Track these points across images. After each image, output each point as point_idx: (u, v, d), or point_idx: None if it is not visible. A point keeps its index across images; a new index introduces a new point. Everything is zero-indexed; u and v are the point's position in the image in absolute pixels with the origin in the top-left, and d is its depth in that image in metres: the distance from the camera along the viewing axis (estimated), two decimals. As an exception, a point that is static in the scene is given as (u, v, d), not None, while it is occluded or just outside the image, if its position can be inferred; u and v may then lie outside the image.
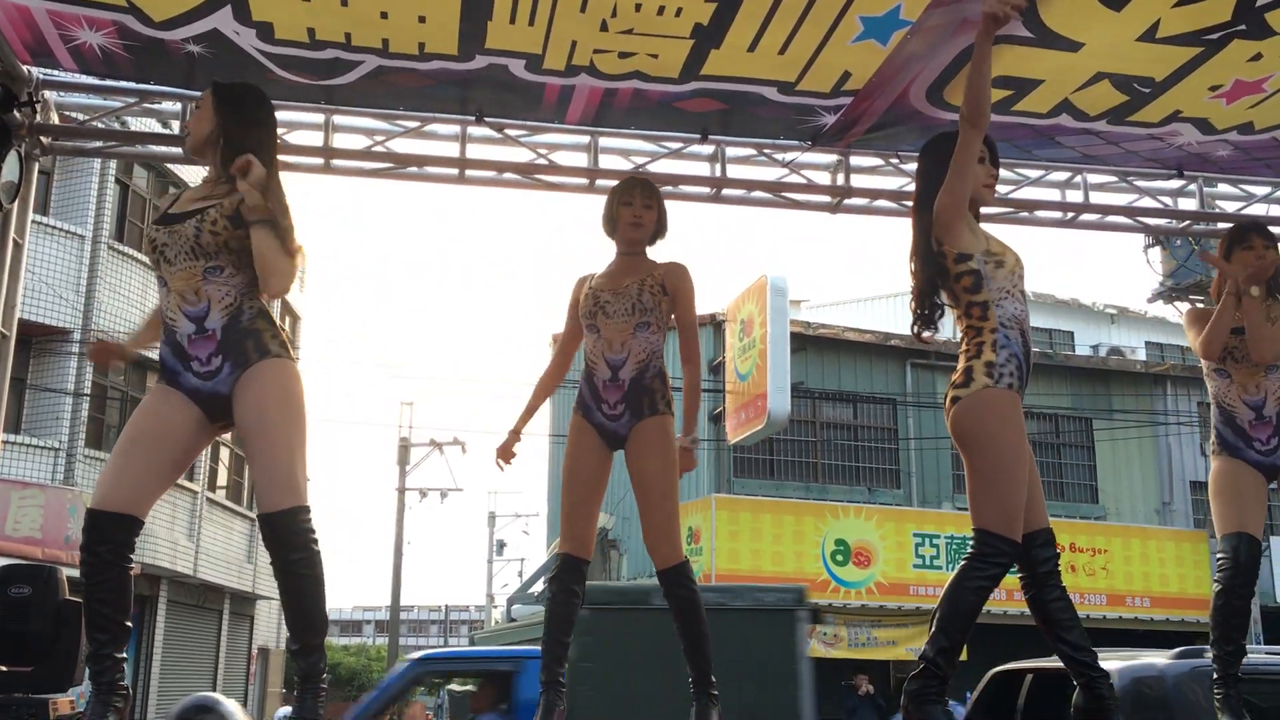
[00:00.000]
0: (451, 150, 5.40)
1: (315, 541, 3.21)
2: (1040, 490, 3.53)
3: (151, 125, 7.79)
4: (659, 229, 3.97)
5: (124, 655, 3.16)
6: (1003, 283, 3.41)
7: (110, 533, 3.12)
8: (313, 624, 3.18)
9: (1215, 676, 3.92)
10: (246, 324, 3.24)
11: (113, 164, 15.83)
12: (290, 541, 3.17)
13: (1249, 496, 3.98)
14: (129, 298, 16.53)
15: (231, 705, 3.85)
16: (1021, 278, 3.50)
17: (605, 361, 3.77)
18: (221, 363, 3.20)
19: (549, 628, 3.79)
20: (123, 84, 5.03)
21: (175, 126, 5.28)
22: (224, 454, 19.76)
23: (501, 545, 38.35)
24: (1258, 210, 6.00)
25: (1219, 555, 3.97)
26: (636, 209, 3.89)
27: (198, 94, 4.93)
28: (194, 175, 17.23)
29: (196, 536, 18.14)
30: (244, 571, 20.24)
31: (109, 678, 3.09)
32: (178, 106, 5.25)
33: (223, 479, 19.84)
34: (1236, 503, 3.96)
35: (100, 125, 5.43)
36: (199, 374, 3.20)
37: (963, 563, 3.42)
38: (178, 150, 5.37)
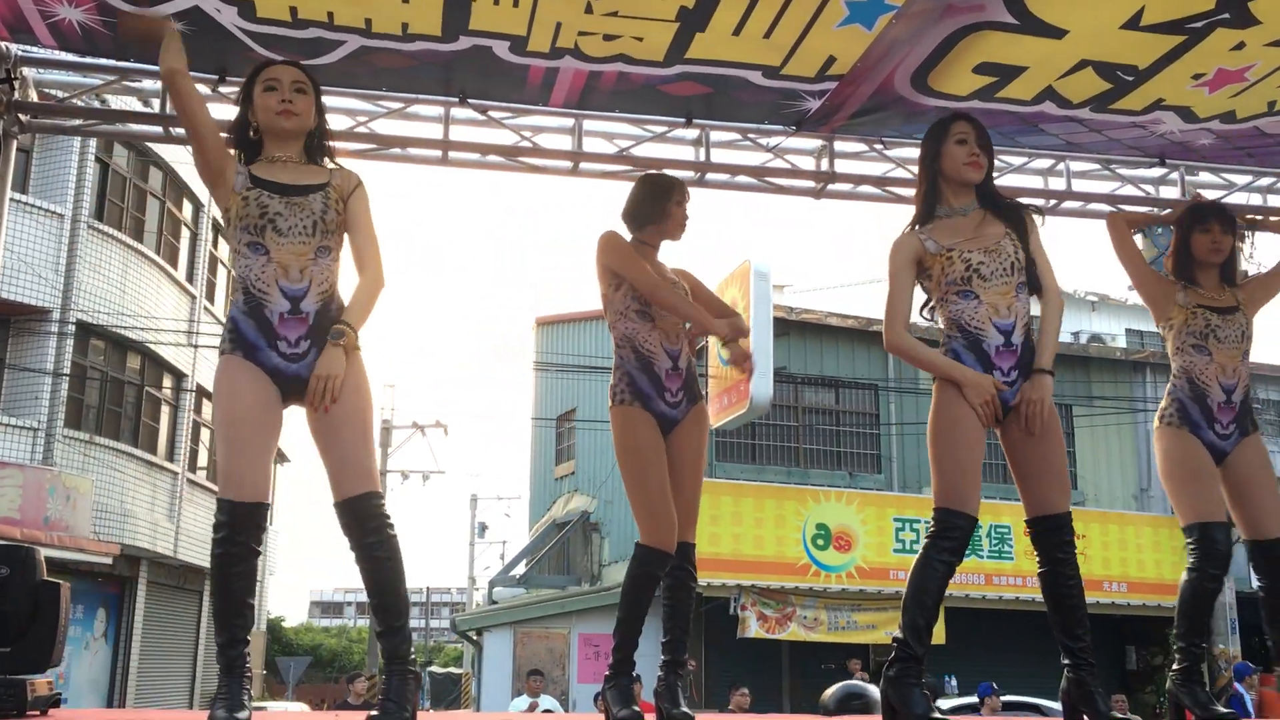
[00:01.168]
0: (435, 132, 5.38)
1: (391, 525, 3.27)
2: (1051, 473, 3.56)
3: (132, 104, 7.73)
4: None
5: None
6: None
7: (251, 522, 3.17)
8: (394, 605, 3.23)
9: (1180, 669, 3.92)
10: (336, 312, 3.30)
11: (93, 142, 15.70)
12: (367, 525, 3.21)
13: (1213, 478, 3.96)
14: (109, 277, 16.42)
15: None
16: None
17: (665, 352, 3.89)
18: (309, 347, 3.22)
19: (637, 617, 3.81)
20: (102, 61, 4.98)
21: (156, 105, 5.24)
22: (204, 435, 19.68)
23: (484, 528, 38.38)
24: (1238, 199, 6.04)
25: (1193, 543, 3.94)
26: (686, 210, 4.07)
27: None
28: (174, 155, 17.12)
29: (177, 517, 18.09)
30: (224, 553, 20.17)
31: (242, 663, 3.17)
32: (158, 85, 5.20)
33: (203, 460, 19.77)
34: (1201, 485, 3.93)
35: (80, 103, 5.37)
36: (285, 355, 3.20)
37: (923, 542, 3.53)
38: (158, 129, 5.33)
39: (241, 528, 3.16)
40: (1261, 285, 4.30)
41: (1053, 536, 3.52)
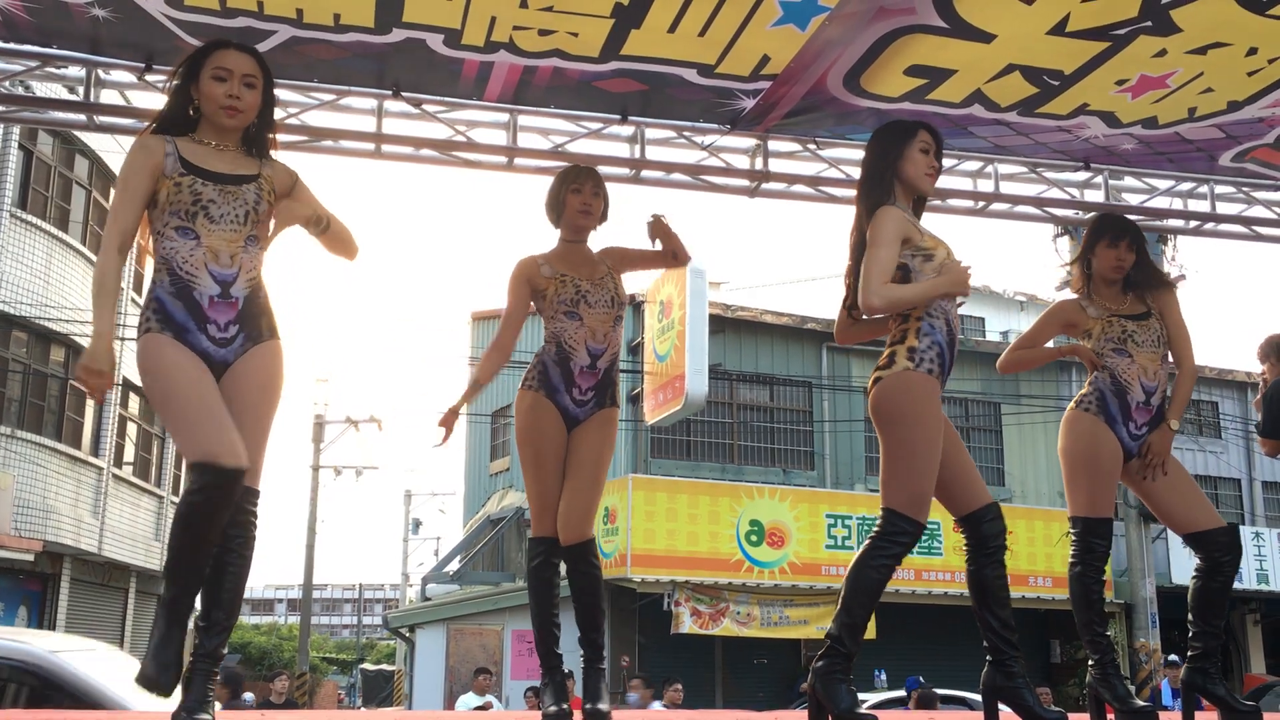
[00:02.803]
0: (368, 125, 5.32)
1: (255, 527, 3.25)
2: (975, 469, 3.63)
3: (57, 90, 7.55)
4: (603, 218, 4.09)
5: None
6: (930, 276, 3.52)
7: (235, 490, 3.06)
8: (233, 604, 3.21)
9: (1096, 663, 3.94)
10: (263, 301, 3.27)
11: (16, 129, 15.31)
12: (237, 519, 3.16)
13: (1112, 475, 3.96)
14: (32, 268, 16.03)
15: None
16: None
17: (587, 349, 3.89)
18: (237, 333, 3.19)
19: (541, 610, 3.90)
20: (26, 48, 4.86)
21: (81, 92, 5.12)
22: (131, 429, 19.31)
23: (417, 524, 38.06)
24: (1160, 203, 6.18)
25: (1077, 536, 3.94)
26: (586, 196, 4.00)
27: (103, 59, 4.84)
28: (100, 143, 16.76)
29: (101, 514, 17.72)
30: (151, 549, 19.81)
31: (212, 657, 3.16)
32: (82, 72, 5.10)
33: (129, 455, 19.39)
34: (1099, 481, 3.93)
35: (2, 89, 5.25)
36: (214, 339, 3.15)
37: (867, 541, 3.50)
38: (82, 117, 5.22)
39: (227, 492, 3.01)
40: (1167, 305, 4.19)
41: (992, 526, 3.58)
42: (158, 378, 3.12)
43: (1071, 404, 4.10)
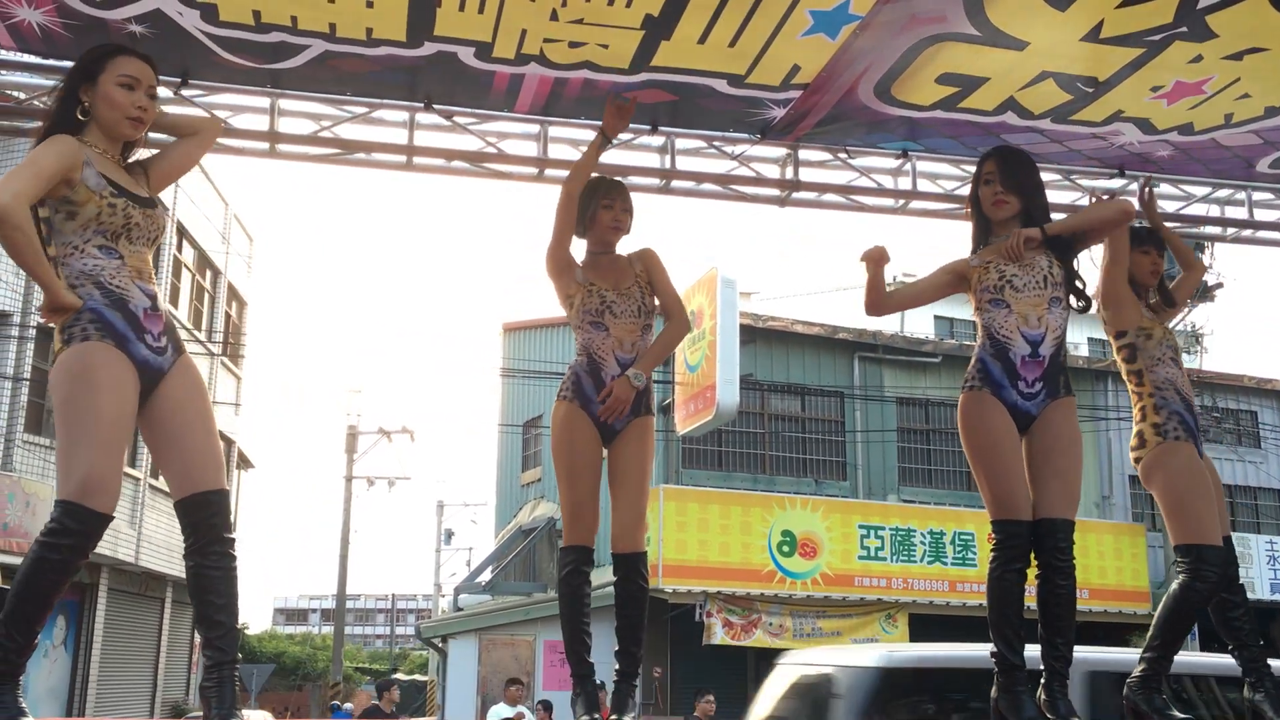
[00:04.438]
0: (399, 137, 5.35)
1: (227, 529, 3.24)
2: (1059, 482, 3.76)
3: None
4: (628, 230, 4.16)
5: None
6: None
7: (99, 535, 3.07)
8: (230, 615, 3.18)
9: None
10: (167, 315, 3.32)
11: (54, 144, 15.50)
12: (227, 524, 3.18)
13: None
14: (70, 281, 16.23)
15: None
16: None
17: (616, 359, 3.91)
18: (167, 343, 3.22)
19: (572, 619, 3.89)
20: (63, 63, 4.92)
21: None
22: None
23: (450, 534, 38.16)
24: (1196, 210, 6.12)
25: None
26: (617, 212, 4.08)
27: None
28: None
29: (138, 524, 17.89)
30: (187, 560, 19.98)
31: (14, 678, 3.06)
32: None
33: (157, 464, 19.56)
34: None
35: (40, 104, 5.31)
36: (152, 348, 3.17)
37: (989, 558, 3.73)
38: (119, 132, 5.27)
39: (92, 541, 3.03)
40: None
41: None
42: (82, 388, 3.01)
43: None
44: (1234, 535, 4.12)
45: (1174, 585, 3.92)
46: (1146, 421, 4.09)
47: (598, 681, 3.95)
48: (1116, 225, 3.97)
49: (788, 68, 4.54)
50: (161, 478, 18.93)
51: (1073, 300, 3.83)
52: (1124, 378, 4.24)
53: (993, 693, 3.68)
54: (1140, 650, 4.02)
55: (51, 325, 3.09)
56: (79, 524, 2.98)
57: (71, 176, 3.10)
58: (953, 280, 3.90)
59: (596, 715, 3.74)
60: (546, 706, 13.77)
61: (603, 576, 4.13)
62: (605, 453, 3.97)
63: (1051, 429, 3.72)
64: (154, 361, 3.17)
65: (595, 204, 4.05)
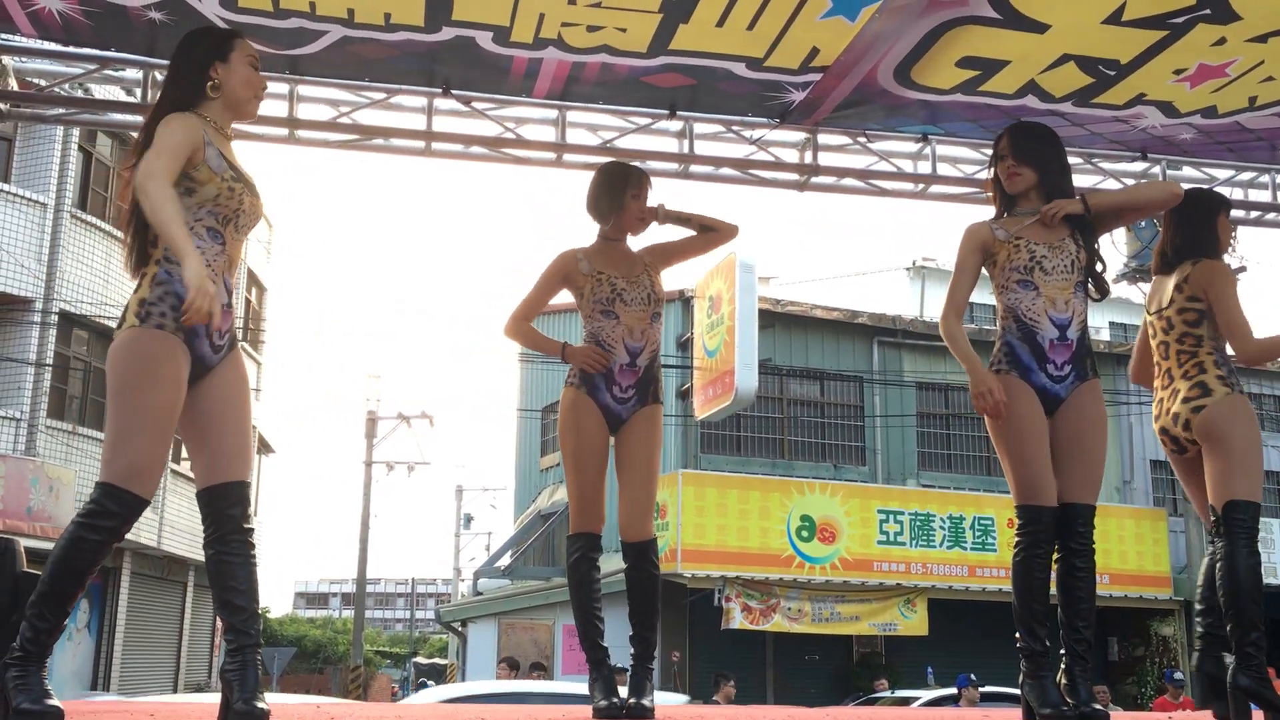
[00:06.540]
0: (418, 122, 5.36)
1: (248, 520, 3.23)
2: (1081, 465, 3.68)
3: (115, 93, 7.67)
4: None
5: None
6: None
7: (135, 520, 3.07)
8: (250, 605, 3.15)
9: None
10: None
11: (75, 131, 15.60)
12: (246, 514, 3.18)
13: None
14: (92, 267, 16.34)
15: None
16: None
17: (625, 347, 3.91)
18: (227, 340, 3.22)
19: (582, 605, 3.90)
20: (85, 50, 4.95)
21: (138, 94, 5.21)
22: (188, 426, 19.61)
23: (469, 519, 38.30)
24: (1220, 193, 6.06)
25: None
26: (644, 203, 4.04)
27: (161, 61, 4.91)
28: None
29: (160, 508, 18.03)
30: (209, 544, 20.14)
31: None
32: (139, 74, 5.18)
33: (186, 451, 19.70)
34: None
35: (61, 92, 5.34)
36: (215, 345, 3.16)
37: (1014, 543, 3.63)
38: (140, 118, 5.29)
39: (129, 524, 3.05)
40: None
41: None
42: (144, 379, 3.00)
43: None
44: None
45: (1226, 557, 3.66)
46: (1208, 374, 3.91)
47: (614, 665, 3.97)
48: (1163, 207, 3.90)
49: (806, 50, 4.52)
50: (184, 463, 19.09)
51: (1091, 289, 3.76)
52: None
53: (1019, 680, 3.64)
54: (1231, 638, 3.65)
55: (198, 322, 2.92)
56: (120, 507, 3.00)
57: (195, 155, 3.09)
58: (980, 257, 3.75)
59: (615, 699, 3.75)
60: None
61: (616, 563, 4.14)
62: (613, 441, 3.97)
63: (1080, 411, 3.68)
64: (210, 359, 3.16)
65: (625, 194, 4.00)
